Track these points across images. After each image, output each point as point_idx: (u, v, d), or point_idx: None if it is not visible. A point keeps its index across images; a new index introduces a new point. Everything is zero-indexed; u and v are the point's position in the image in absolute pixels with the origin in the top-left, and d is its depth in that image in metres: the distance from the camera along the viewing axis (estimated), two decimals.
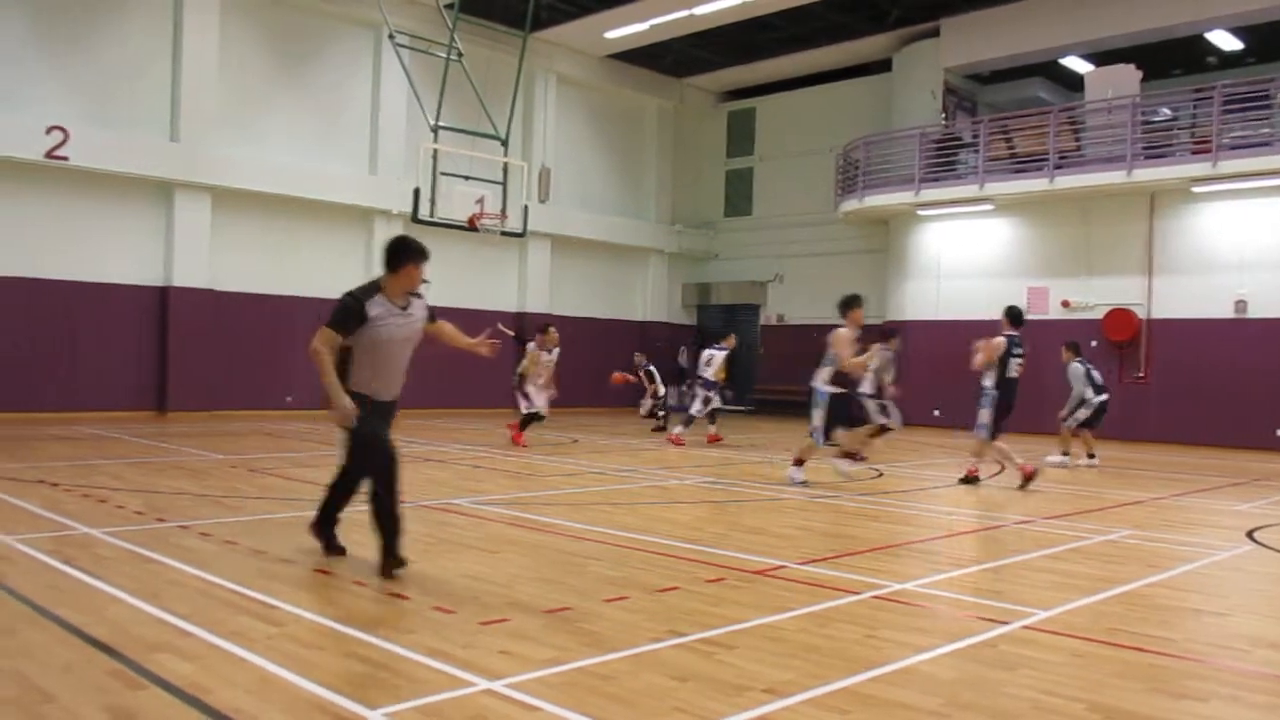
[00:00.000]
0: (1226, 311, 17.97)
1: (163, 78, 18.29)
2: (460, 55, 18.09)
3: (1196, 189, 18.05)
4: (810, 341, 24.79)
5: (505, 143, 18.26)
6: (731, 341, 16.58)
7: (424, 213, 16.98)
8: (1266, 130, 17.60)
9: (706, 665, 4.21)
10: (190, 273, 18.45)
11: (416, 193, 16.88)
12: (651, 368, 18.76)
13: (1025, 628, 4.99)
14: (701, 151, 28.06)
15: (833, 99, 25.40)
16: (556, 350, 14.85)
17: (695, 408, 15.98)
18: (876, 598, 5.57)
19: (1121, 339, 19.06)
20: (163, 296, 18.29)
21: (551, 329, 14.89)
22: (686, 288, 27.65)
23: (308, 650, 4.26)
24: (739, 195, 27.56)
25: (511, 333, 19.99)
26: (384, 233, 21.11)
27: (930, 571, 6.39)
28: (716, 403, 16.18)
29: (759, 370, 26.36)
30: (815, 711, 3.70)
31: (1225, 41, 20.16)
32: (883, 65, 23.95)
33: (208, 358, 18.64)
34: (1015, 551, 7.19)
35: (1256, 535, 8.12)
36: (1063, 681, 4.16)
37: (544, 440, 15.52)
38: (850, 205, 22.52)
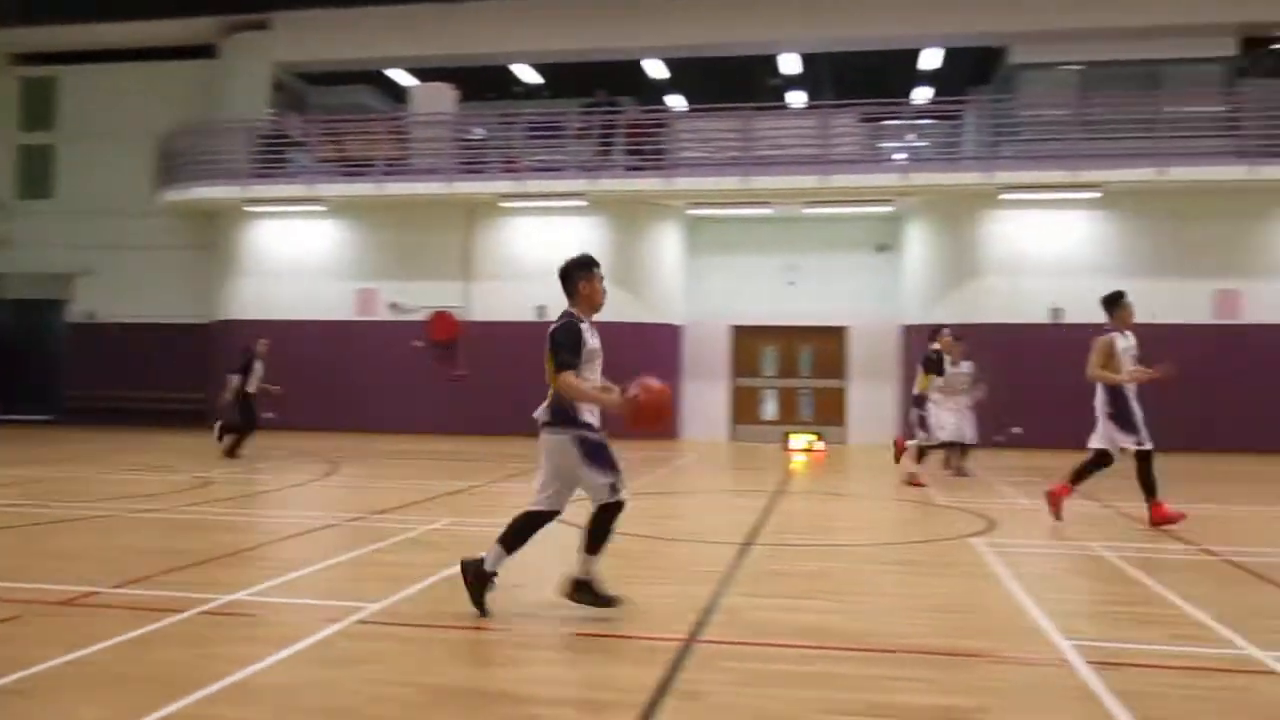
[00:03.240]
0: (528, 315, 19.93)
1: None
2: None
3: (505, 204, 20.03)
4: (123, 342, 22.79)
5: None
6: None
7: None
8: (561, 157, 20.20)
9: None
10: None
11: None
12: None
13: (359, 622, 5.08)
14: None
15: (153, 79, 23.33)
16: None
17: None
18: (206, 613, 5.26)
19: (443, 339, 20.45)
20: None
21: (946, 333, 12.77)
22: None
23: None
24: (37, 174, 24.07)
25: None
26: None
27: (263, 578, 6.20)
28: None
29: (68, 375, 23.29)
30: None
31: (528, 75, 22.76)
32: (211, 50, 22.73)
33: None
34: (347, 549, 7.29)
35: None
36: (396, 670, 4.31)
37: None
38: (173, 196, 21.02)
